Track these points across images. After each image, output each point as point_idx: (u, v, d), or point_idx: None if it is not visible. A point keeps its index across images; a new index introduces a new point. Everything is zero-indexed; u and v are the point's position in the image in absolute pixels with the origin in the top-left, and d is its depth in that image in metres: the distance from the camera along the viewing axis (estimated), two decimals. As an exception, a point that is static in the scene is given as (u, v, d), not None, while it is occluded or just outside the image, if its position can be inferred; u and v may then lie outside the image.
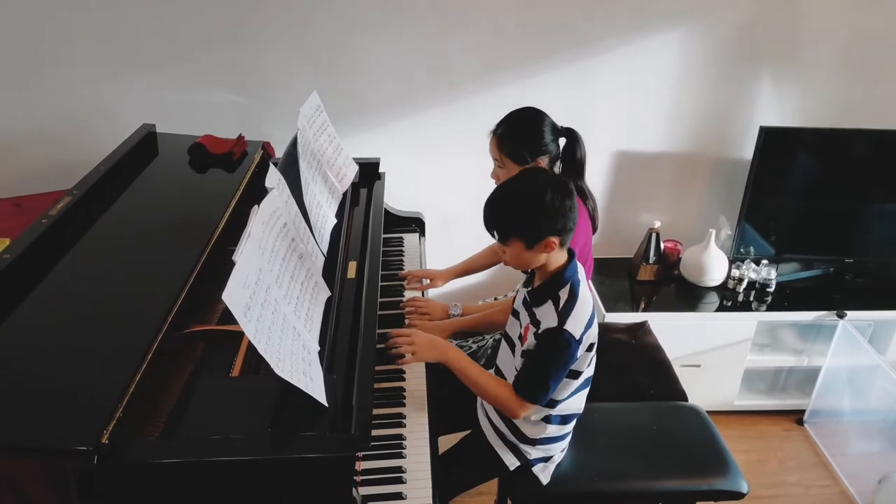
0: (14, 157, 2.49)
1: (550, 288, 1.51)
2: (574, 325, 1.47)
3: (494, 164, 1.88)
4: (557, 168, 1.89)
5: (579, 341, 1.49)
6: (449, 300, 2.02)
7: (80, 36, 2.36)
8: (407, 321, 1.92)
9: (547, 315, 1.50)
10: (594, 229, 1.96)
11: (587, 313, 1.50)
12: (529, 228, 1.45)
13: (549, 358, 1.50)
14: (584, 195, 1.91)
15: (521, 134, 1.82)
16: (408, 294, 2.09)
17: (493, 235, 1.50)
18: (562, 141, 1.88)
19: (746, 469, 1.82)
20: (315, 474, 1.22)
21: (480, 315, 1.94)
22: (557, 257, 1.50)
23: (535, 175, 1.51)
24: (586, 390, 1.66)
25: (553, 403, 1.60)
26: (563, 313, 1.47)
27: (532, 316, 1.54)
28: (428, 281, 2.14)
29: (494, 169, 1.90)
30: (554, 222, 1.44)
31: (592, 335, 1.55)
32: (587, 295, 1.52)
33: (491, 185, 1.72)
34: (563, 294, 1.49)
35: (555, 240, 1.45)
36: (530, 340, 1.53)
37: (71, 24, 2.34)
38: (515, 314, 1.64)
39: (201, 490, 1.22)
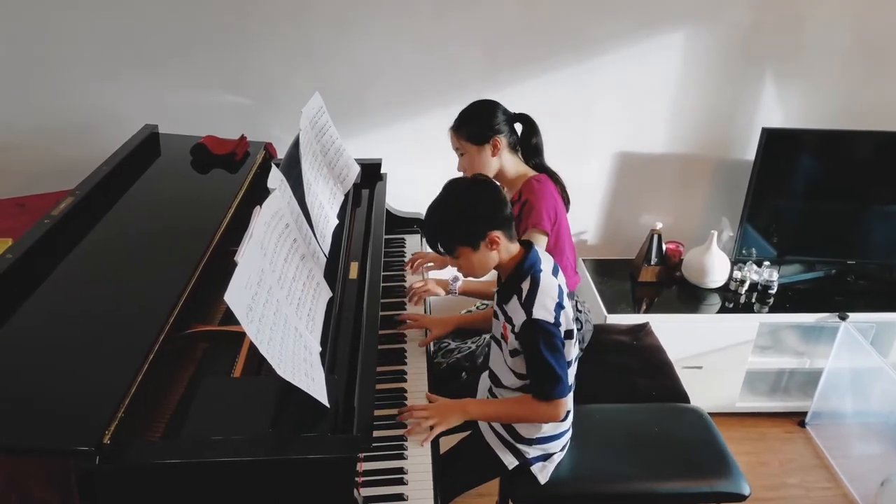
0: (17, 157, 2.50)
1: (513, 282, 1.54)
2: (542, 312, 1.49)
3: (457, 155, 2.00)
4: (519, 153, 2.02)
5: (556, 324, 1.50)
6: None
7: (82, 36, 2.36)
8: (412, 301, 2.03)
9: (515, 311, 1.52)
10: (566, 206, 2.02)
11: (553, 298, 1.51)
12: (469, 232, 1.49)
13: (540, 350, 1.50)
14: (549, 172, 2.01)
15: (475, 118, 1.96)
16: (410, 280, 2.16)
17: (439, 252, 1.59)
18: (519, 128, 2.01)
19: (748, 471, 1.81)
20: (317, 475, 1.22)
21: (480, 313, 2.01)
22: (509, 250, 1.53)
23: (456, 182, 1.59)
24: (573, 384, 1.66)
25: None
26: (527, 304, 1.49)
27: (504, 314, 1.56)
28: (431, 264, 2.22)
29: (459, 162, 2.01)
30: (490, 218, 1.49)
31: (567, 321, 1.55)
32: (550, 281, 1.53)
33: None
34: (525, 285, 1.51)
35: (497, 234, 1.49)
36: (511, 339, 1.54)
37: (72, 24, 2.34)
38: (496, 315, 1.66)
39: (202, 491, 1.22)
